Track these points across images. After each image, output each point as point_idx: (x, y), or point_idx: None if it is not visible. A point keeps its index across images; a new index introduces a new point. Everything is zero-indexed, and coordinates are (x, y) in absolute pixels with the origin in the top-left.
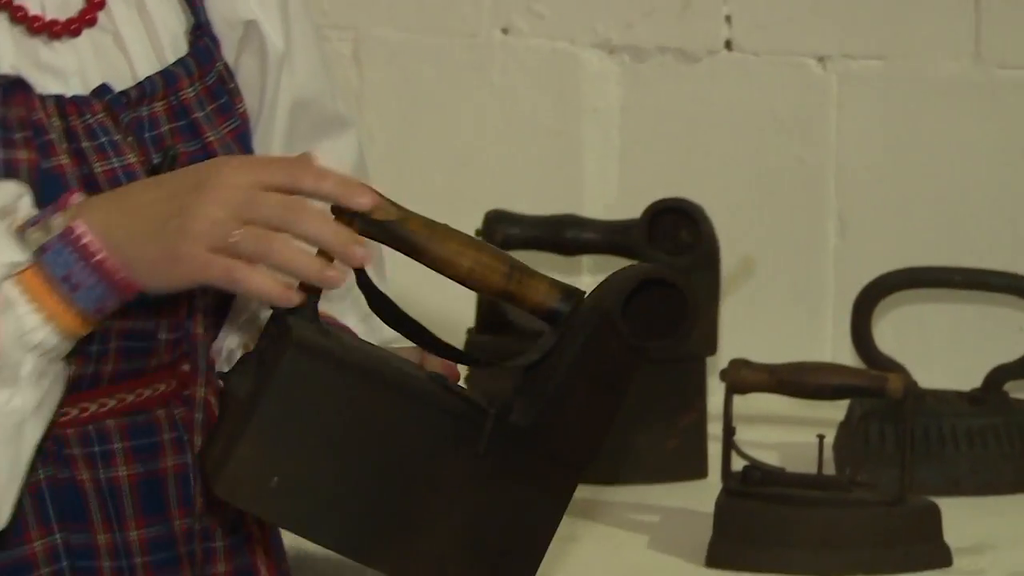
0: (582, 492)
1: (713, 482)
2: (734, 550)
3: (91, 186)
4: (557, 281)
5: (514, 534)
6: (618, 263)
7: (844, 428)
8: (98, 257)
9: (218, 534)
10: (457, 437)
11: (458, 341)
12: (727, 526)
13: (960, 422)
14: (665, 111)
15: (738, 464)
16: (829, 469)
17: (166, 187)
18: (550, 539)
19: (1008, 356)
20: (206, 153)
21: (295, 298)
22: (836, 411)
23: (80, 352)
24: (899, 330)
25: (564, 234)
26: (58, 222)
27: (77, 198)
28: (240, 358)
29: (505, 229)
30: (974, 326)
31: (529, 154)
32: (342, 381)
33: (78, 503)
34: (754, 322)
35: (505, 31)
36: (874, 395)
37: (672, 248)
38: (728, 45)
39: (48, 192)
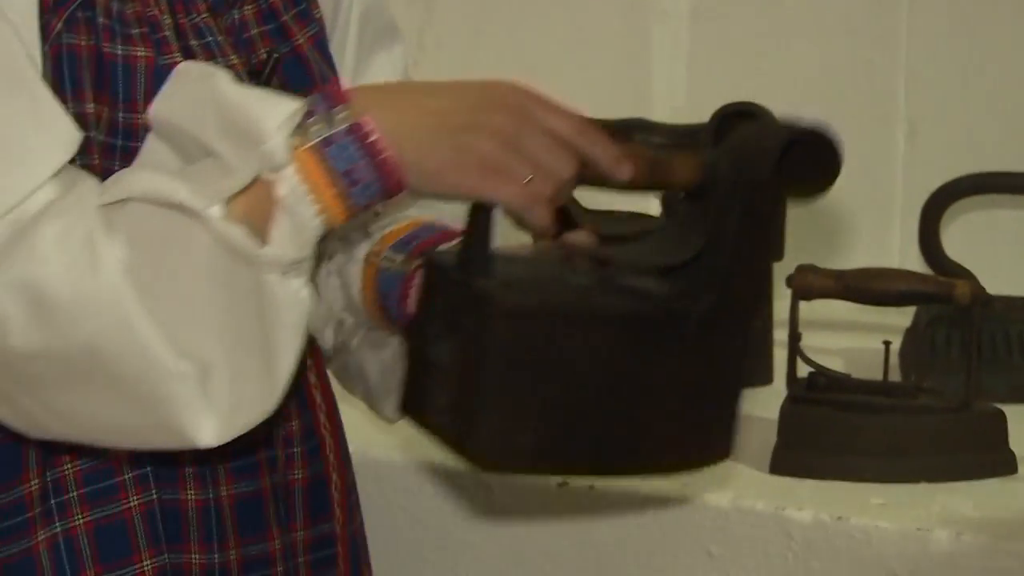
0: None
1: (778, 388)
2: (799, 457)
3: None
4: (689, 155)
5: (718, 391)
6: None
7: (910, 334)
8: (384, 155)
9: (296, 440)
10: (662, 337)
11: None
12: (792, 433)
13: None
14: (734, 14)
15: (803, 370)
16: (895, 376)
17: (451, 98)
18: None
19: None
20: (295, 56)
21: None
22: (903, 317)
23: None
24: (967, 236)
25: (633, 137)
26: (343, 115)
27: (352, 91)
28: (413, 320)
29: None
30: None
31: (597, 58)
32: (552, 330)
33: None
34: (821, 228)
35: None
36: (941, 301)
37: None
38: None
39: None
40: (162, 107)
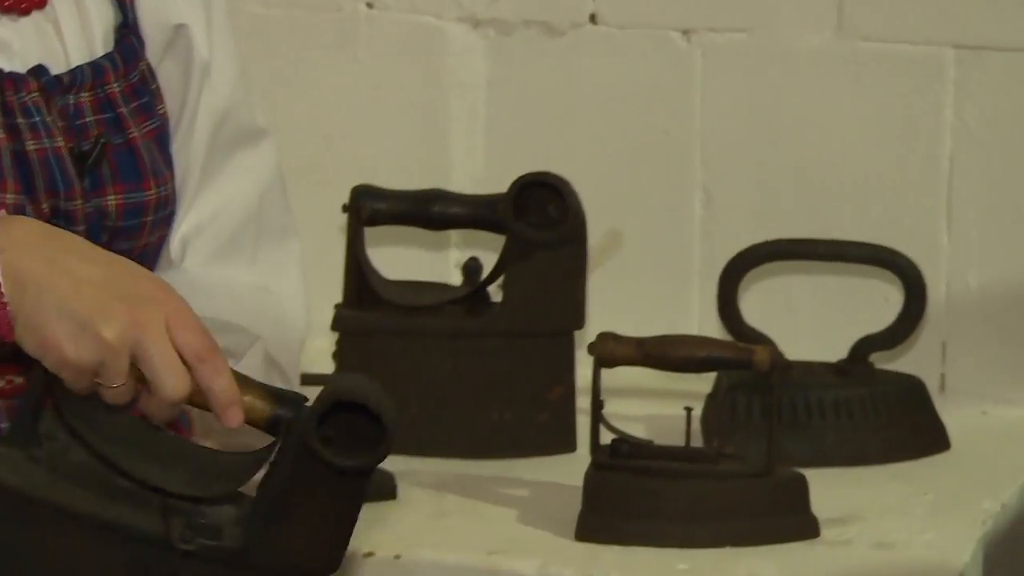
0: (452, 467)
1: (582, 455)
2: (603, 523)
3: (22, 163)
4: (275, 393)
5: None
6: (486, 237)
7: (711, 400)
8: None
9: None
10: (154, 565)
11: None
12: (596, 499)
13: (826, 393)
14: (531, 85)
15: (607, 437)
16: (697, 441)
17: (103, 273)
18: None
19: (873, 327)
20: (128, 147)
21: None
22: (703, 384)
23: None
24: (765, 302)
25: (431, 209)
26: None
27: (5, 217)
28: None
29: (372, 204)
30: (839, 297)
31: (395, 129)
32: (31, 522)
33: None
34: (621, 295)
35: (370, 5)
36: (741, 367)
37: (539, 222)
38: (593, 19)
39: None
40: None
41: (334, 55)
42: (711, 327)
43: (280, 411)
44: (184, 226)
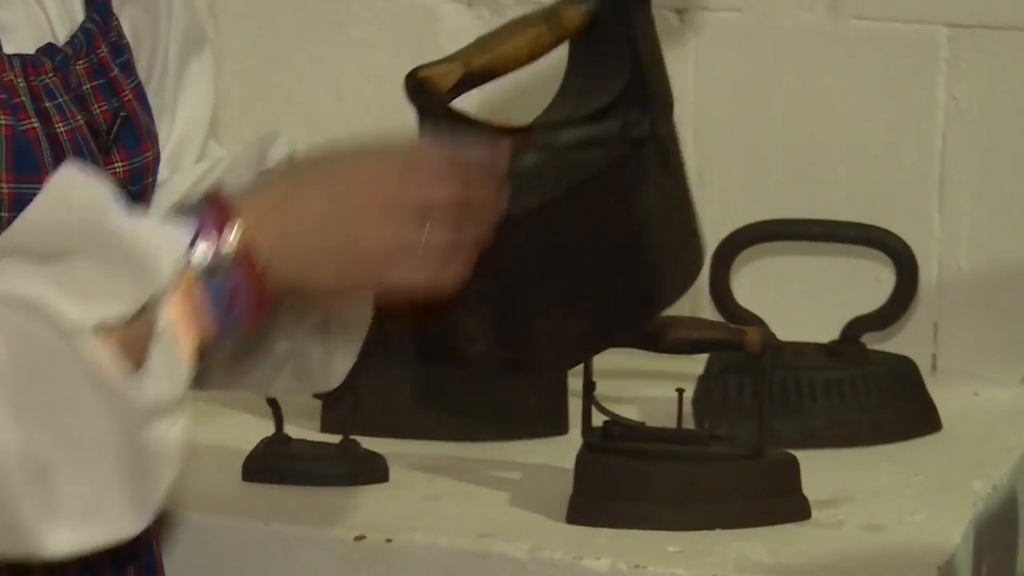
0: (443, 449)
1: (573, 438)
2: (595, 506)
3: (55, 147)
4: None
5: (689, 205)
6: None
7: (703, 382)
8: (260, 314)
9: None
10: (636, 172)
11: None
12: (587, 482)
13: (818, 375)
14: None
15: (598, 420)
16: (688, 423)
17: (331, 200)
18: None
19: (865, 308)
20: (124, 111)
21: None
22: (695, 365)
23: None
24: (757, 283)
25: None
26: (229, 247)
27: (238, 209)
28: None
29: None
30: (831, 278)
31: (387, 108)
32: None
33: None
34: None
35: None
36: (732, 349)
37: None
38: None
39: (21, 158)
40: (34, 233)
41: (326, 35)
42: (704, 308)
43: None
44: (170, 144)
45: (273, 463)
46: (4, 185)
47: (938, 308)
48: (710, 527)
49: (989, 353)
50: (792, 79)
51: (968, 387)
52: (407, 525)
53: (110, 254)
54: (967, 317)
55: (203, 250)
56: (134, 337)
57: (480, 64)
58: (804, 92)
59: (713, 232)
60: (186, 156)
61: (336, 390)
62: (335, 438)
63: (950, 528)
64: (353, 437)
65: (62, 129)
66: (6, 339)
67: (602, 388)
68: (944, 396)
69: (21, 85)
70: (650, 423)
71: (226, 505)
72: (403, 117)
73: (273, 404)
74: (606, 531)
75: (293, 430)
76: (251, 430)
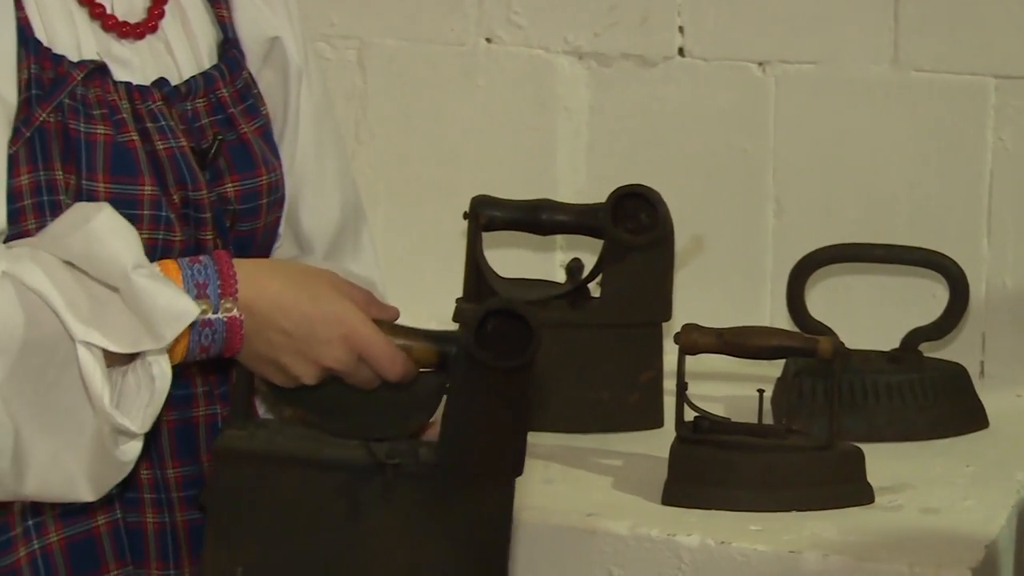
0: (557, 440)
1: (668, 431)
2: (686, 490)
3: (154, 161)
4: (436, 336)
5: (470, 551)
6: (587, 241)
7: (780, 383)
8: (236, 348)
9: None
10: (372, 491)
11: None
12: (680, 469)
13: (880, 378)
14: (627, 109)
15: (690, 415)
16: (768, 419)
17: (299, 324)
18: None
19: (922, 320)
20: (240, 142)
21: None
22: (774, 369)
23: None
24: (828, 298)
25: (540, 216)
26: (226, 309)
27: (240, 285)
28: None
29: (489, 212)
30: (893, 294)
31: (510, 147)
32: (261, 474)
33: None
34: (703, 292)
35: (489, 40)
36: (806, 355)
37: (633, 228)
38: (681, 52)
39: (120, 162)
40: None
41: (457, 83)
42: (781, 319)
43: (445, 347)
44: (304, 224)
45: None
46: (101, 184)
47: (986, 321)
48: (786, 509)
49: None
50: (860, 122)
51: (1012, 390)
52: (526, 504)
53: (127, 302)
54: (1012, 329)
55: (204, 304)
56: (121, 358)
57: None
58: (870, 134)
59: (789, 254)
60: (321, 241)
61: None
62: None
63: (996, 512)
64: None
65: (161, 146)
66: (26, 318)
67: (693, 388)
68: (991, 398)
69: (124, 106)
70: (735, 419)
71: None
72: (522, 153)
73: None
74: (696, 512)
75: None
76: None
